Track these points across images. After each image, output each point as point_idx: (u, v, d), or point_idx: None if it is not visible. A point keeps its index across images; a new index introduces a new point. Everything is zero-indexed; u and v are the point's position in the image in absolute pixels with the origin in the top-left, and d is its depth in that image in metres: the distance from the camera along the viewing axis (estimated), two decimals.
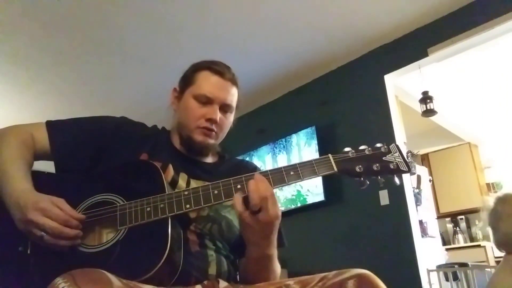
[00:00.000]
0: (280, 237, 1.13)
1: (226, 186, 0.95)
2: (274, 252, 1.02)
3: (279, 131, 4.10)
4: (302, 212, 3.74)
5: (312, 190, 3.64)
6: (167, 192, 0.97)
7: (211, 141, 1.15)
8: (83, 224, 0.93)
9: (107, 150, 1.12)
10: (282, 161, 4.00)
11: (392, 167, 0.97)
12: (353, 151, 0.99)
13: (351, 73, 3.74)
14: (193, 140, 1.13)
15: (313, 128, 3.79)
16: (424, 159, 5.81)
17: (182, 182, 1.08)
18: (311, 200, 3.67)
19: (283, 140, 4.03)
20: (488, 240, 4.77)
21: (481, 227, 5.21)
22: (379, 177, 0.98)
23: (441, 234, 4.90)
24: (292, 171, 0.96)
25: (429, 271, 3.03)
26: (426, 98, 3.64)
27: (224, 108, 1.15)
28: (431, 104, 3.62)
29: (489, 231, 1.74)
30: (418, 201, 3.93)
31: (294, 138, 3.94)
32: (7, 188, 0.96)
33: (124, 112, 1.28)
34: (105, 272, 0.79)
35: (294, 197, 3.78)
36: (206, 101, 1.13)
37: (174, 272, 0.92)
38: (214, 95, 1.12)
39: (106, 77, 3.80)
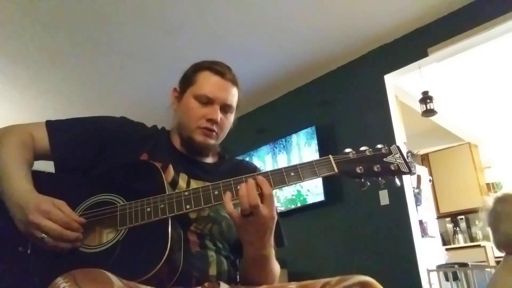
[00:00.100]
0: (280, 237, 1.13)
1: (227, 186, 0.95)
2: (271, 252, 1.01)
3: (279, 131, 4.10)
4: (302, 212, 3.74)
5: (312, 190, 3.64)
6: (167, 193, 0.97)
7: (212, 141, 1.15)
8: (84, 227, 0.93)
9: (107, 150, 1.12)
10: (282, 161, 4.00)
11: (392, 168, 0.97)
12: (353, 152, 0.99)
13: (351, 73, 3.74)
14: (193, 140, 1.13)
15: (313, 128, 3.79)
16: (424, 159, 5.81)
17: (182, 182, 1.08)
18: (311, 200, 3.67)
19: (283, 140, 4.03)
20: (488, 240, 4.77)
21: (481, 227, 5.22)
22: (379, 178, 0.98)
23: (441, 234, 4.90)
24: (293, 172, 0.96)
25: (429, 271, 3.03)
26: (426, 98, 3.64)
27: (225, 108, 1.15)
28: (431, 104, 3.62)
29: (489, 231, 1.73)
30: (418, 201, 3.93)
31: (294, 138, 3.94)
32: (7, 188, 0.96)
33: (124, 112, 1.28)
34: (106, 272, 0.79)
35: (294, 197, 3.78)
36: (206, 101, 1.13)
37: (174, 272, 0.92)
38: (214, 96, 1.12)
39: (106, 77, 3.80)
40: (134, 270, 0.86)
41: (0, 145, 1.04)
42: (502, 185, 5.43)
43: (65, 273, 0.75)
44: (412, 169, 3.34)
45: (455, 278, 3.12)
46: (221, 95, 1.13)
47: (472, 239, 5.45)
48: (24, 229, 0.91)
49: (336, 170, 0.96)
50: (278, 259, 1.07)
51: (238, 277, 1.12)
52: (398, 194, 3.19)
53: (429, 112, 3.66)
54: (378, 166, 0.97)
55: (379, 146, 1.00)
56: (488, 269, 3.07)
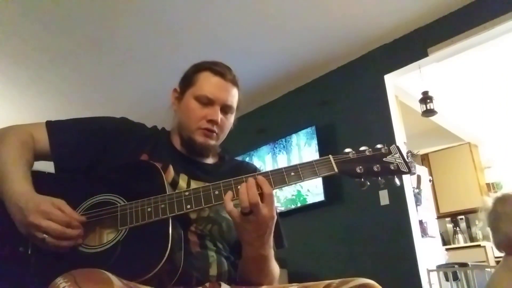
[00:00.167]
0: (280, 238, 1.13)
1: (227, 186, 0.95)
2: (270, 252, 1.01)
3: (279, 131, 4.10)
4: (302, 212, 3.74)
5: (312, 190, 3.64)
6: (167, 193, 0.97)
7: (212, 142, 1.15)
8: (84, 225, 0.93)
9: (107, 150, 1.12)
10: (282, 161, 4.00)
11: (392, 168, 0.97)
12: (353, 152, 0.99)
13: (351, 73, 3.74)
14: (194, 141, 1.13)
15: (313, 128, 3.79)
16: (424, 159, 5.81)
17: (182, 182, 1.08)
18: (311, 200, 3.67)
19: (283, 140, 4.03)
20: (488, 240, 4.77)
21: (481, 227, 5.21)
22: (379, 178, 0.98)
23: (441, 234, 4.90)
24: (293, 171, 0.96)
25: (429, 271, 3.03)
26: (426, 98, 3.64)
27: (225, 109, 1.15)
28: (431, 104, 3.62)
29: (489, 231, 1.73)
30: (418, 201, 3.93)
31: (294, 138, 3.94)
32: (7, 189, 0.96)
33: (124, 112, 1.28)
34: (106, 272, 0.79)
35: (294, 197, 3.78)
36: (207, 102, 1.13)
37: (174, 272, 0.92)
38: (215, 96, 1.12)
39: (106, 77, 3.80)
40: (134, 270, 0.86)
41: (0, 146, 1.04)
42: (502, 185, 5.43)
43: (65, 273, 0.75)
44: (412, 169, 3.34)
45: (455, 278, 3.12)
46: (222, 96, 1.13)
47: (472, 239, 5.45)
48: (24, 230, 0.91)
49: (336, 170, 0.97)
50: (278, 259, 1.07)
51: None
52: (398, 194, 3.19)
53: (429, 112, 3.66)
54: (378, 166, 0.97)
55: (378, 146, 1.00)
56: (488, 269, 3.07)
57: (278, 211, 0.98)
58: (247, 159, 4.16)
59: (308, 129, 3.83)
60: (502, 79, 4.24)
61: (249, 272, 1.05)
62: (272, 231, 0.97)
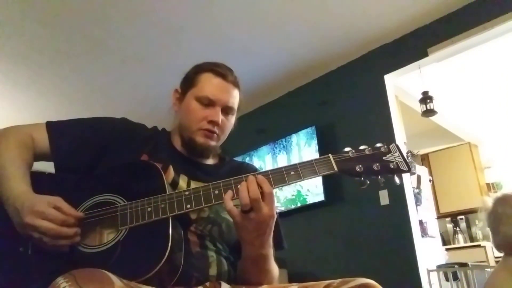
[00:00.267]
0: (279, 239, 1.13)
1: (227, 186, 0.95)
2: (270, 252, 1.01)
3: (279, 131, 4.10)
4: (302, 212, 3.74)
5: (312, 190, 3.64)
6: (167, 193, 0.97)
7: (213, 143, 1.15)
8: (82, 222, 0.93)
9: (107, 151, 1.12)
10: (282, 161, 4.00)
11: (392, 166, 0.97)
12: (353, 151, 0.99)
13: (351, 73, 3.74)
14: (194, 142, 1.13)
15: (313, 128, 3.79)
16: (424, 159, 5.81)
17: (182, 183, 1.08)
18: (311, 200, 3.67)
19: (283, 140, 4.03)
20: (488, 240, 4.77)
21: (481, 227, 5.22)
22: (379, 177, 0.98)
23: (441, 234, 4.90)
24: (293, 171, 0.96)
25: (429, 271, 3.03)
26: (426, 98, 3.64)
27: (226, 110, 1.15)
28: (431, 104, 3.62)
29: (489, 231, 1.73)
30: (418, 201, 3.93)
31: (294, 138, 3.94)
32: (5, 190, 0.96)
33: (124, 113, 1.28)
34: (107, 272, 0.79)
35: (294, 197, 3.78)
36: (208, 103, 1.13)
37: (174, 272, 0.92)
38: (216, 97, 1.12)
39: (106, 77, 3.80)
40: (134, 270, 0.86)
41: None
42: (502, 185, 5.43)
43: (66, 273, 0.75)
44: (411, 167, 3.34)
45: (455, 278, 3.12)
46: (223, 97, 1.13)
47: (472, 239, 5.45)
48: (22, 231, 0.92)
49: (335, 169, 0.97)
50: (277, 259, 1.07)
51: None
52: (398, 194, 3.19)
53: (429, 112, 3.66)
54: (377, 164, 0.97)
55: (378, 145, 1.00)
56: (488, 269, 3.07)
57: (278, 211, 0.98)
58: (247, 159, 4.16)
59: (308, 129, 3.83)
60: (502, 79, 4.24)
61: (249, 272, 1.05)
62: (272, 230, 0.96)
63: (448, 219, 5.60)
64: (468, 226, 5.51)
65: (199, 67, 1.18)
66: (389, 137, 3.28)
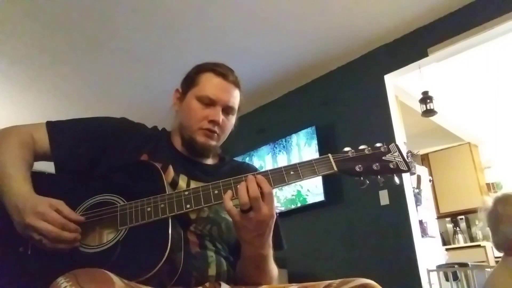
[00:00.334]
0: (279, 239, 1.12)
1: (227, 186, 0.95)
2: (269, 252, 1.01)
3: (279, 131, 4.10)
4: (302, 212, 3.74)
5: (312, 190, 3.64)
6: (167, 193, 0.97)
7: (213, 142, 1.15)
8: (82, 226, 0.93)
9: (107, 151, 1.12)
10: (282, 161, 4.00)
11: (391, 166, 0.97)
12: (353, 150, 0.99)
13: (351, 73, 3.74)
14: (195, 141, 1.13)
15: (313, 128, 3.79)
16: (424, 159, 5.81)
17: (182, 183, 1.08)
18: (311, 200, 3.67)
19: (283, 140, 4.03)
20: (488, 240, 4.77)
21: (481, 227, 5.22)
22: (379, 177, 0.98)
23: (441, 234, 4.90)
24: (292, 171, 0.96)
25: (429, 271, 3.03)
26: (426, 98, 3.64)
27: (227, 110, 1.15)
28: (431, 104, 3.62)
29: (489, 231, 1.73)
30: (418, 201, 3.93)
31: (294, 138, 3.94)
32: (6, 190, 0.96)
33: (124, 113, 1.29)
34: (107, 272, 0.79)
35: (294, 197, 3.78)
36: (209, 102, 1.13)
37: (174, 272, 0.92)
38: (217, 97, 1.13)
39: (106, 77, 3.80)
40: (134, 270, 0.86)
41: (0, 146, 1.04)
42: (502, 185, 5.43)
43: (66, 273, 0.75)
44: (411, 167, 3.34)
45: (455, 278, 3.12)
46: (223, 97, 1.13)
47: (472, 239, 5.45)
48: (22, 231, 0.92)
49: (335, 168, 0.97)
50: (277, 259, 1.07)
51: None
52: (398, 194, 3.19)
53: (429, 112, 3.66)
54: (377, 164, 0.97)
55: (378, 144, 1.00)
56: (488, 269, 3.06)
57: (278, 211, 0.98)
58: (247, 159, 4.16)
59: (308, 129, 3.83)
60: (502, 79, 4.24)
61: (248, 272, 1.05)
62: (272, 230, 0.96)
63: (448, 219, 5.60)
64: (468, 226, 5.51)
65: (200, 67, 1.19)
66: (389, 137, 3.28)
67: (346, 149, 1.00)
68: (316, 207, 3.66)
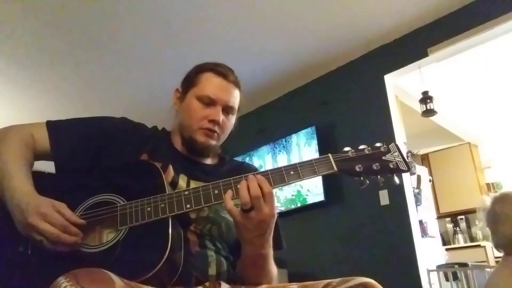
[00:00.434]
0: (279, 239, 1.13)
1: (227, 186, 0.95)
2: (270, 252, 1.01)
3: (279, 131, 4.10)
4: (302, 212, 3.74)
5: (312, 190, 3.64)
6: (167, 192, 0.97)
7: (213, 142, 1.15)
8: (84, 228, 0.93)
9: (107, 150, 1.12)
10: (282, 161, 4.00)
11: (391, 166, 0.98)
12: (352, 150, 0.99)
13: (351, 73, 3.74)
14: (195, 141, 1.13)
15: (313, 128, 3.79)
16: (424, 159, 5.81)
17: (182, 182, 1.08)
18: (311, 200, 3.67)
19: (283, 140, 4.03)
20: (488, 240, 4.76)
21: (481, 227, 5.21)
22: (378, 177, 0.98)
23: (441, 234, 4.90)
24: (292, 170, 0.96)
25: (429, 271, 3.03)
26: (426, 98, 3.64)
27: (227, 110, 1.15)
28: (431, 104, 3.62)
29: (488, 231, 1.73)
30: (418, 201, 3.93)
31: (294, 138, 3.94)
32: (8, 189, 0.96)
33: (124, 113, 1.29)
34: (108, 271, 0.79)
35: (294, 197, 3.78)
36: (209, 102, 1.13)
37: (174, 272, 0.92)
38: (217, 97, 1.13)
39: (106, 77, 3.80)
40: (134, 270, 0.86)
41: (0, 146, 1.04)
42: (502, 185, 5.43)
43: (67, 273, 0.76)
44: (411, 167, 3.34)
45: (455, 278, 3.12)
46: (224, 97, 1.14)
47: (472, 239, 5.45)
48: (23, 231, 0.92)
49: (335, 168, 0.97)
50: (277, 259, 1.08)
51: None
52: (398, 194, 3.19)
53: (429, 112, 3.66)
54: (377, 164, 0.97)
55: (377, 144, 1.00)
56: (488, 269, 3.07)
57: (278, 211, 0.98)
58: (247, 159, 4.16)
59: (308, 129, 3.83)
60: (502, 79, 4.24)
61: (248, 272, 1.05)
62: (272, 230, 0.97)
63: (448, 219, 5.60)
64: (468, 226, 5.51)
65: (200, 67, 1.19)
66: (389, 137, 3.28)
67: (346, 149, 1.00)
68: (316, 207, 3.66)
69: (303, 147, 3.86)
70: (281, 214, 3.60)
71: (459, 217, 5.51)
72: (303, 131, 3.87)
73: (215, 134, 1.14)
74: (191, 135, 1.14)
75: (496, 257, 4.67)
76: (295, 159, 3.87)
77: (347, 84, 3.75)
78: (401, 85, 3.95)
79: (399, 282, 2.97)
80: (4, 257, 0.96)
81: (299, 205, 3.75)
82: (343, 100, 3.75)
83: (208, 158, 1.20)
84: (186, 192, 0.96)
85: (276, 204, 0.96)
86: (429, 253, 3.65)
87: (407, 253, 3.10)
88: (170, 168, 1.09)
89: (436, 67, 3.64)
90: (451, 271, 3.12)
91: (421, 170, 4.50)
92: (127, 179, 1.03)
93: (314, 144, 3.75)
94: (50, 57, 3.42)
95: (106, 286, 0.75)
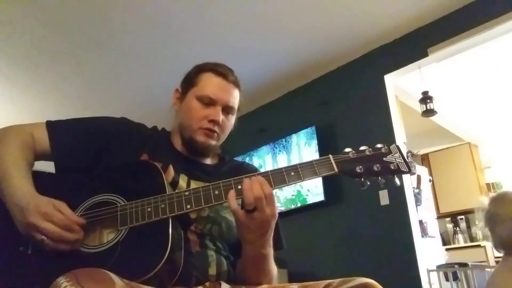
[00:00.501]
0: (279, 239, 1.13)
1: (227, 186, 0.95)
2: (270, 251, 1.02)
3: (279, 131, 4.10)
4: (302, 212, 3.74)
5: (312, 190, 3.65)
6: (167, 193, 0.97)
7: (213, 142, 1.15)
8: (84, 228, 0.93)
9: (107, 150, 1.12)
10: (282, 161, 4.00)
11: (392, 167, 0.97)
12: (353, 151, 0.99)
13: (351, 73, 3.74)
14: (195, 141, 1.13)
15: (313, 128, 3.79)
16: (424, 159, 5.81)
17: (182, 183, 1.08)
18: (311, 200, 3.67)
19: (283, 140, 4.03)
20: (488, 240, 4.76)
21: (481, 227, 5.20)
22: (379, 178, 0.98)
23: (441, 234, 4.90)
24: (293, 171, 0.96)
25: (429, 271, 3.03)
26: (426, 98, 3.64)
27: (227, 109, 1.15)
28: (431, 104, 3.62)
29: (487, 231, 1.73)
30: (418, 201, 3.93)
31: (294, 138, 3.94)
32: (8, 189, 0.96)
33: (124, 113, 1.29)
34: (108, 272, 0.79)
35: (294, 197, 3.78)
36: (209, 102, 1.13)
37: (175, 272, 0.92)
38: (217, 97, 1.13)
39: (106, 77, 3.80)
40: (134, 270, 0.86)
41: (0, 146, 1.04)
42: (502, 185, 5.43)
43: (67, 273, 0.75)
44: (412, 168, 3.34)
45: (455, 278, 3.12)
46: (223, 97, 1.14)
47: (472, 239, 5.45)
48: (24, 230, 0.92)
49: (336, 169, 0.97)
50: (277, 259, 1.08)
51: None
52: (398, 194, 3.19)
53: (429, 112, 3.66)
54: (378, 165, 0.97)
55: (378, 145, 1.00)
56: (488, 269, 3.07)
57: (278, 211, 0.99)
58: (247, 159, 4.16)
59: (308, 129, 3.83)
60: (502, 79, 4.24)
61: (249, 272, 1.05)
62: (273, 229, 0.97)
63: (448, 219, 5.60)
64: (468, 226, 5.51)
65: (200, 67, 1.19)
66: (389, 137, 3.28)
67: (347, 150, 1.00)
68: (316, 207, 3.66)
69: (303, 147, 3.86)
70: (281, 214, 3.58)
71: (459, 217, 5.51)
72: (303, 131, 3.87)
73: (215, 134, 1.14)
74: (191, 135, 1.14)
75: (496, 257, 4.67)
76: (295, 159, 3.87)
77: (347, 84, 3.75)
78: (401, 85, 3.95)
79: (399, 282, 2.97)
80: (4, 257, 0.96)
81: (299, 205, 3.75)
82: (343, 100, 3.75)
83: (208, 158, 1.20)
84: (187, 193, 0.96)
85: (276, 204, 0.96)
86: (429, 253, 3.65)
87: (407, 253, 3.10)
88: (171, 168, 1.09)
89: (436, 67, 3.64)
90: (451, 271, 3.12)
91: (421, 170, 4.50)
92: (127, 179, 1.03)
93: (314, 144, 3.75)
94: (50, 57, 3.42)
95: (106, 286, 0.75)
